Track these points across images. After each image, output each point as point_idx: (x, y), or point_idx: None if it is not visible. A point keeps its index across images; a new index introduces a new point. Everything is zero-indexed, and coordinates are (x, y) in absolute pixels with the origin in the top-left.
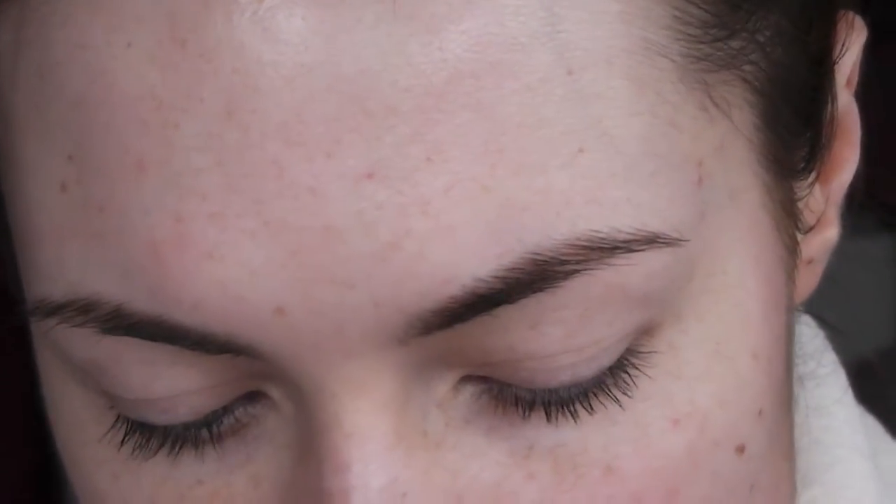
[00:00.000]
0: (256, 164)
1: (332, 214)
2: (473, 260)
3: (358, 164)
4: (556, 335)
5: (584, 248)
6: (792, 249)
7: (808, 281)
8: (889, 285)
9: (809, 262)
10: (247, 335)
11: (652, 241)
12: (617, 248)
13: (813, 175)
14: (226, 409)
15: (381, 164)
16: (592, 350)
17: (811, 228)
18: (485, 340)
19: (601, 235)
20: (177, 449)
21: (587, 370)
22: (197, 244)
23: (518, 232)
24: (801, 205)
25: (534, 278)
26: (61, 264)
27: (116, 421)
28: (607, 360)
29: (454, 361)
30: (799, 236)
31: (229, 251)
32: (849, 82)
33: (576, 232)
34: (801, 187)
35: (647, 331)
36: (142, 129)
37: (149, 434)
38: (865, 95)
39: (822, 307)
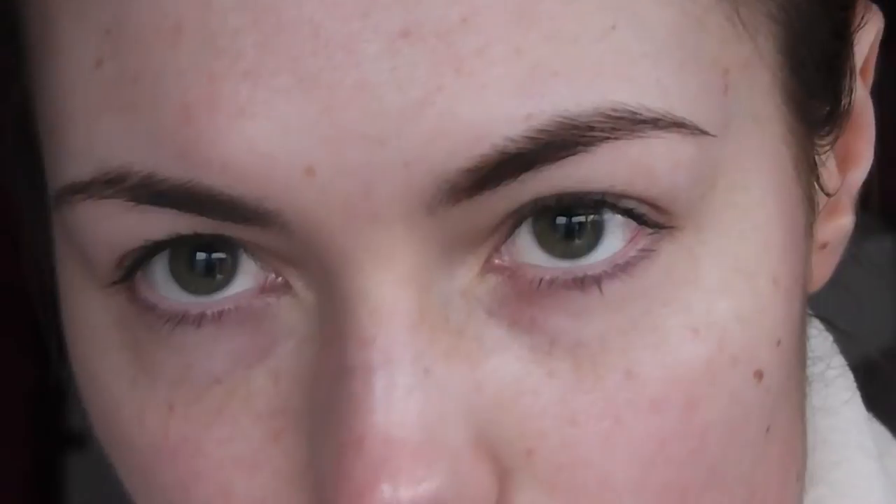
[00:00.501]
0: (292, 22)
1: (366, 71)
2: (504, 119)
3: (394, 23)
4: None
5: (613, 117)
6: (810, 199)
7: (822, 268)
8: (890, 286)
9: (824, 246)
10: (276, 199)
11: (679, 124)
12: (644, 122)
13: (831, 138)
14: (249, 293)
15: (416, 23)
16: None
17: (828, 196)
18: (509, 216)
19: (630, 107)
20: (195, 329)
21: (603, 252)
22: (229, 103)
23: (549, 95)
24: (819, 161)
25: (562, 142)
26: (91, 141)
27: (137, 311)
28: (632, 250)
29: (477, 243)
30: (818, 197)
31: (261, 109)
32: (864, 73)
33: (606, 101)
34: (820, 145)
35: (667, 231)
36: None
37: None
38: (872, 97)
39: (824, 308)
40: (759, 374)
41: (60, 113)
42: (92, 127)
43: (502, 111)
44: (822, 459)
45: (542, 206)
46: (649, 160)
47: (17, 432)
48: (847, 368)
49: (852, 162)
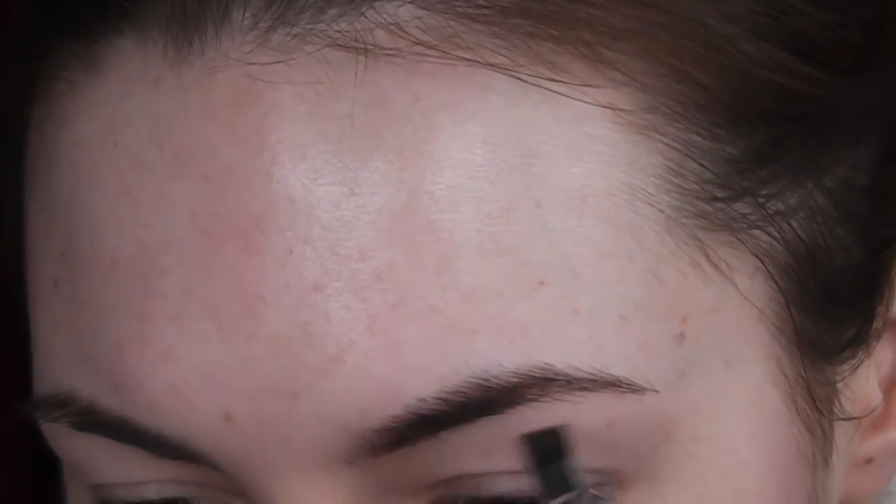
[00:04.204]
0: (214, 269)
1: (280, 324)
2: (418, 379)
3: (308, 275)
4: (509, 460)
5: (536, 378)
6: (815, 432)
7: (867, 483)
8: None
9: (868, 461)
10: (200, 441)
11: (612, 384)
12: (571, 384)
13: (856, 360)
14: None
15: (329, 277)
16: None
17: (857, 418)
18: (437, 467)
19: (555, 370)
20: None
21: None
22: (155, 344)
23: (465, 355)
24: (840, 386)
25: (480, 403)
26: (49, 359)
27: None
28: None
29: (412, 489)
30: (833, 421)
31: (184, 353)
32: None
33: (528, 362)
34: (837, 370)
35: (617, 483)
36: (117, 228)
37: None
38: None
39: None
40: None
41: (33, 323)
42: (49, 345)
43: (416, 371)
44: None
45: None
46: (580, 419)
47: (17, 432)
48: None
49: None
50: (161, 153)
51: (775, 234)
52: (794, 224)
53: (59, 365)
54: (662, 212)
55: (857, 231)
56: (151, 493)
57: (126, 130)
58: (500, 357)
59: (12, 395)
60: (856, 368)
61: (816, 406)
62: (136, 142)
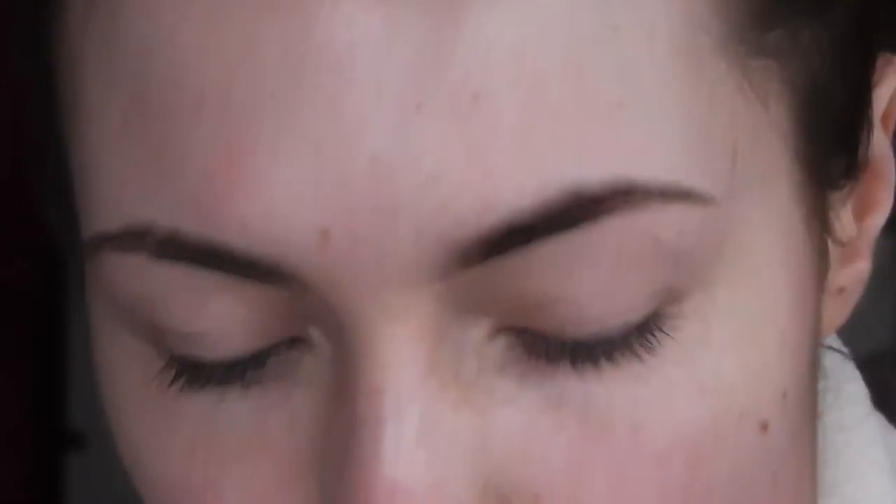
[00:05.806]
0: (309, 97)
1: (379, 146)
2: (513, 192)
3: (406, 99)
4: (589, 280)
5: (622, 190)
6: (823, 252)
7: (838, 312)
8: (890, 287)
9: (840, 291)
10: (291, 259)
11: (686, 195)
12: (651, 194)
13: (846, 191)
14: (269, 351)
15: (428, 97)
16: (622, 302)
17: (842, 245)
18: (521, 283)
19: (639, 181)
20: (220, 389)
21: (614, 324)
22: (248, 173)
23: (558, 169)
24: (832, 215)
25: (571, 214)
26: (120, 196)
27: (165, 366)
28: (634, 317)
29: (490, 308)
30: (831, 247)
31: (279, 179)
32: (885, 120)
33: (614, 175)
34: (833, 199)
35: (675, 298)
36: (203, 67)
37: (195, 374)
38: None
39: None
40: (764, 426)
41: (92, 167)
42: (119, 181)
43: (512, 185)
44: (835, 473)
45: None
46: (657, 230)
47: (17, 432)
48: (863, 385)
49: (870, 209)
50: None
51: (799, 64)
52: (808, 57)
53: (131, 200)
54: (715, 38)
55: (848, 69)
56: (217, 321)
57: None
58: (588, 171)
59: (12, 393)
60: (845, 200)
61: (827, 226)
62: None
